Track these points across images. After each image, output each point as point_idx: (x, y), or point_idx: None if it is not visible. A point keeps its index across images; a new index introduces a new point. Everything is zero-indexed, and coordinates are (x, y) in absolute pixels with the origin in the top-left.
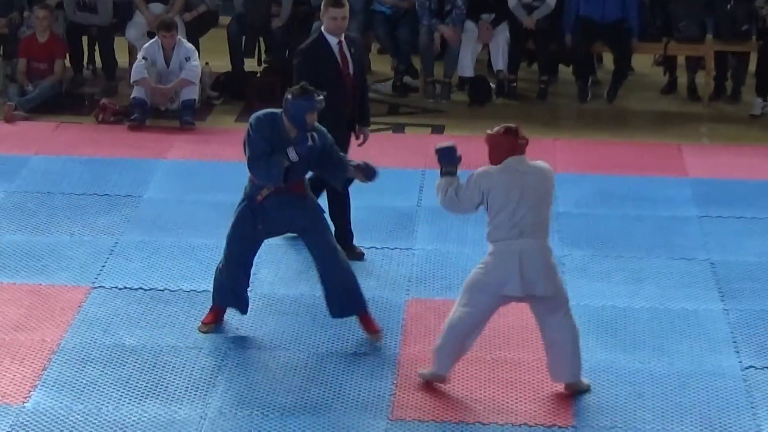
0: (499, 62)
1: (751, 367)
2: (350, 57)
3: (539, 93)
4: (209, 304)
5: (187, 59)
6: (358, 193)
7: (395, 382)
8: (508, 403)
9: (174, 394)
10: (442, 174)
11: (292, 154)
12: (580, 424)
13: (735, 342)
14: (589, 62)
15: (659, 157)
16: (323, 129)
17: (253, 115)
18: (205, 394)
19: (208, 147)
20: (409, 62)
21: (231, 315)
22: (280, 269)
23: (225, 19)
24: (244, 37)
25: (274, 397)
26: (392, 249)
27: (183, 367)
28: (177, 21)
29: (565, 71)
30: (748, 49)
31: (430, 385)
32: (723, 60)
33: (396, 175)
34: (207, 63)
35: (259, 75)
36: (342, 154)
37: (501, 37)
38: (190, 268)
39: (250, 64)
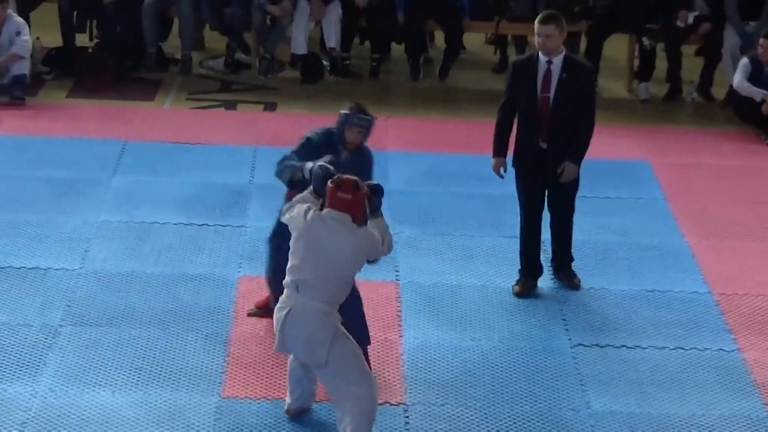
0: (332, 40)
1: (579, 344)
2: (557, 81)
3: (371, 71)
4: (39, 281)
5: (18, 33)
6: (190, 169)
7: (226, 359)
8: None
9: (3, 371)
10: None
11: (306, 172)
12: (411, 402)
13: (565, 320)
14: (421, 40)
15: (490, 135)
16: (367, 151)
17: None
18: (36, 372)
19: (38, 122)
20: (241, 39)
21: (62, 292)
22: (112, 246)
23: None
24: (75, 12)
25: (106, 374)
26: (224, 226)
27: (13, 344)
28: None
29: (398, 49)
30: (579, 30)
31: (262, 364)
32: None
33: (228, 152)
34: (38, 38)
35: (90, 50)
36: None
37: (333, 15)
38: (19, 245)
39: (81, 40)
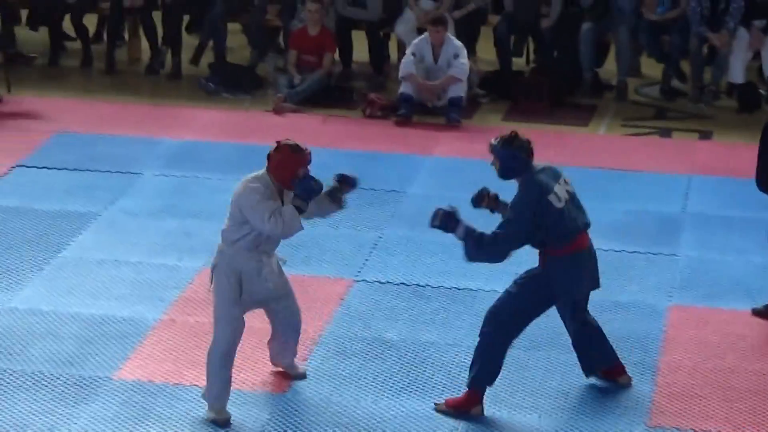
0: None
1: None
2: None
3: None
4: (470, 301)
5: (456, 56)
6: (621, 196)
7: (654, 388)
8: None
9: (433, 390)
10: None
11: None
12: None
13: None
14: None
15: None
16: (522, 183)
17: None
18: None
19: (473, 145)
20: (678, 66)
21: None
22: None
23: (494, 18)
24: (512, 37)
25: (531, 398)
26: (655, 254)
27: (443, 363)
28: (446, 18)
29: None
30: None
31: (692, 395)
32: None
33: (661, 180)
34: (475, 61)
35: (526, 75)
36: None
37: None
38: (452, 266)
39: (518, 64)
